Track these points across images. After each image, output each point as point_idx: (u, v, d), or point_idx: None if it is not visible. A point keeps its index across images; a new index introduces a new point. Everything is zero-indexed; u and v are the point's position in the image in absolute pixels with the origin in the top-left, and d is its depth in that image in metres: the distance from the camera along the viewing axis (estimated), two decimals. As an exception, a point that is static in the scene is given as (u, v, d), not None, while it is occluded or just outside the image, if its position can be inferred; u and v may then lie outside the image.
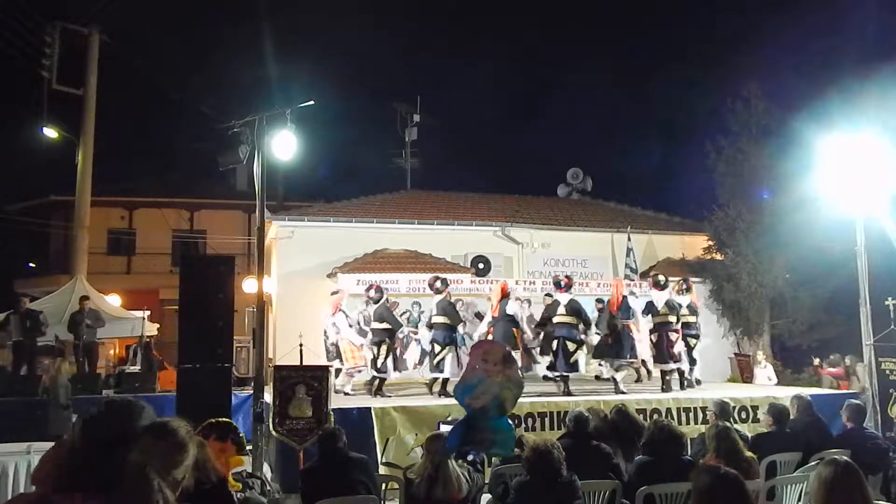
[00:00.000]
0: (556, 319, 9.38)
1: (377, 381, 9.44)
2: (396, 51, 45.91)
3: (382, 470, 6.84)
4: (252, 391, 9.05)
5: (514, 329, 9.44)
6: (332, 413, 7.18)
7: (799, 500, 4.78)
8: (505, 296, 9.60)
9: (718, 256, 15.55)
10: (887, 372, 8.78)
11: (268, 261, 13.75)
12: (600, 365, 10.94)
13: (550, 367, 9.54)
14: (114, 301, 15.31)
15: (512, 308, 9.54)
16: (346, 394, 9.66)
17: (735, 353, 14.50)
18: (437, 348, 9.31)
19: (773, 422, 5.91)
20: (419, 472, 4.52)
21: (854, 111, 10.34)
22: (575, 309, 9.35)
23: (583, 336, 9.44)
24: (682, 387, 9.66)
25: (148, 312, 14.50)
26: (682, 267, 15.50)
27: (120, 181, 22.20)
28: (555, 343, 9.27)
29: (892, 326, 8.75)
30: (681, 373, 9.75)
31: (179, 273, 7.28)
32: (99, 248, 20.45)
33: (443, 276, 10.19)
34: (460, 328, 9.68)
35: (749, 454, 4.72)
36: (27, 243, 23.35)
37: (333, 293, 10.69)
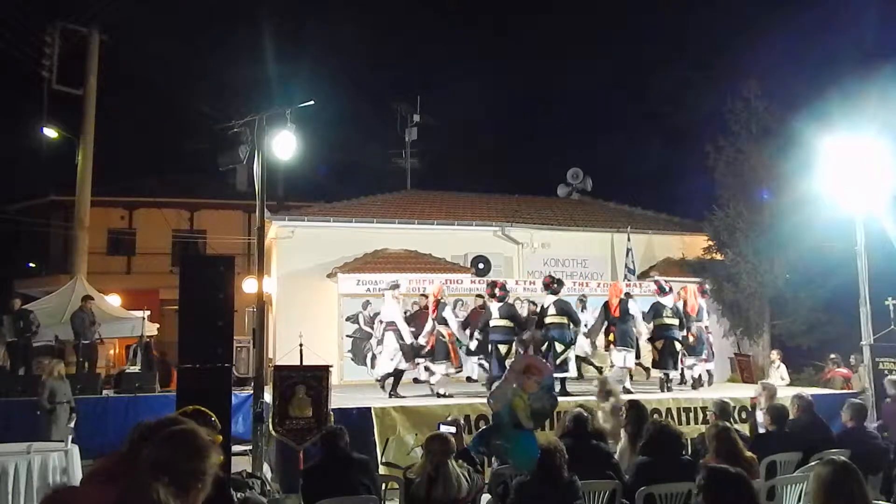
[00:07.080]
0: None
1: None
2: (396, 51, 45.86)
3: (382, 470, 6.85)
4: (252, 391, 9.07)
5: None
6: (331, 413, 7.19)
7: (799, 500, 4.78)
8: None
9: (718, 256, 15.52)
10: (886, 372, 8.79)
11: (268, 261, 13.75)
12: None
13: None
14: (114, 301, 15.31)
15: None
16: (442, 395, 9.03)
17: (735, 353, 14.50)
18: (560, 347, 9.08)
19: (773, 422, 5.90)
20: (419, 472, 4.52)
21: (854, 111, 10.32)
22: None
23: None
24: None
25: (148, 312, 14.49)
26: (682, 267, 15.50)
27: (120, 181, 22.17)
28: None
29: (892, 326, 8.78)
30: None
31: (179, 273, 7.25)
32: (99, 248, 20.42)
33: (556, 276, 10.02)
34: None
35: (749, 454, 4.72)
36: (27, 243, 23.33)
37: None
